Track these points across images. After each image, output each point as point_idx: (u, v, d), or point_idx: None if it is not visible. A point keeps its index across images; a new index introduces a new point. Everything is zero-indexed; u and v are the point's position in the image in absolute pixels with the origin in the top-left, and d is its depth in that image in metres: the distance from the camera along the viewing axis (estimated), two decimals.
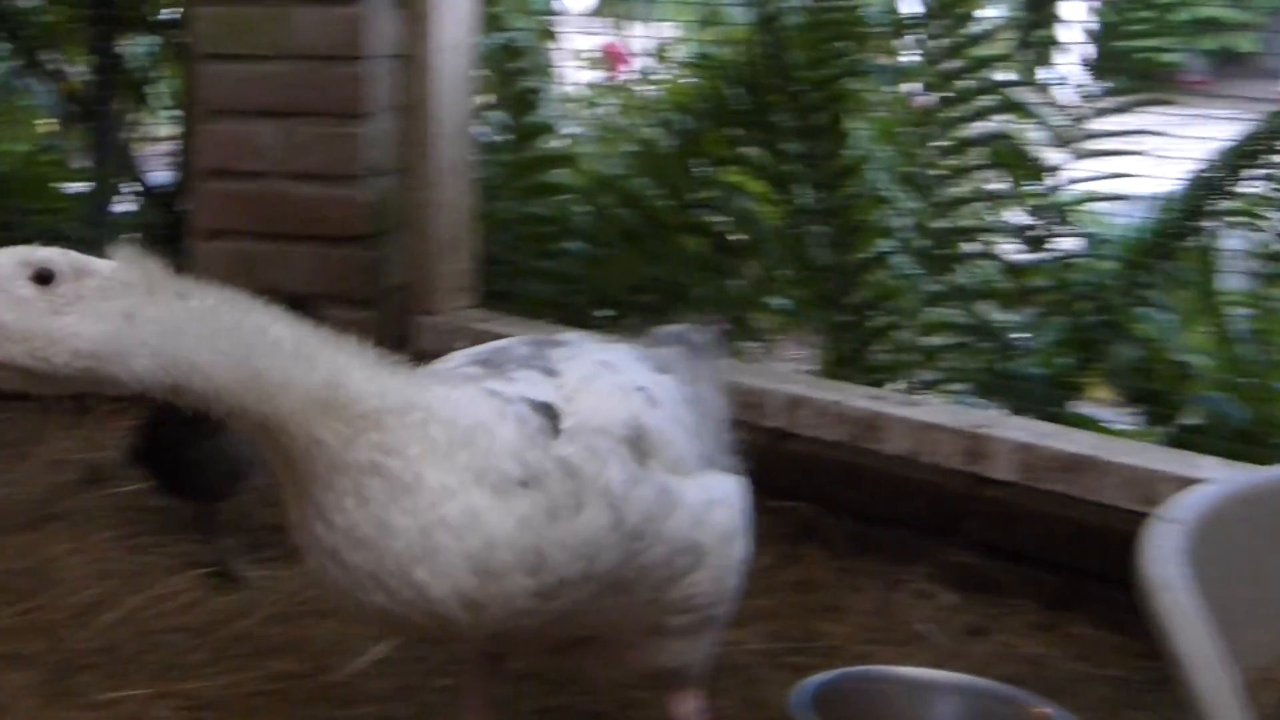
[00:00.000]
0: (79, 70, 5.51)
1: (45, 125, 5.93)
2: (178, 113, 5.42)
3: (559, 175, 4.63)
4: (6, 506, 3.75)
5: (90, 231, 5.16)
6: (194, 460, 3.38)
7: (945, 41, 4.09)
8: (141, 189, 5.44)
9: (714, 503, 2.18)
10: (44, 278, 1.80)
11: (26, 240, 1.86)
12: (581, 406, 2.04)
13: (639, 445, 2.06)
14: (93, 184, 5.40)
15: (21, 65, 5.60)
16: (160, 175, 5.47)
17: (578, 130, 5.07)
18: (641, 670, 2.32)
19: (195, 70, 4.31)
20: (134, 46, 5.50)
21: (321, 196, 4.16)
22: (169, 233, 5.00)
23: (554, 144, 4.71)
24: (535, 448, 1.96)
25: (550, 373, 2.09)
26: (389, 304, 4.22)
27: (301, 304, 3.46)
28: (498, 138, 4.60)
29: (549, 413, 2.01)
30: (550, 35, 5.08)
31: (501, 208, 4.50)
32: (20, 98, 5.84)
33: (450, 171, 4.22)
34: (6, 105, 5.82)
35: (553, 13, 5.23)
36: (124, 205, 5.44)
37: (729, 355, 2.82)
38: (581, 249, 4.50)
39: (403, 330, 4.18)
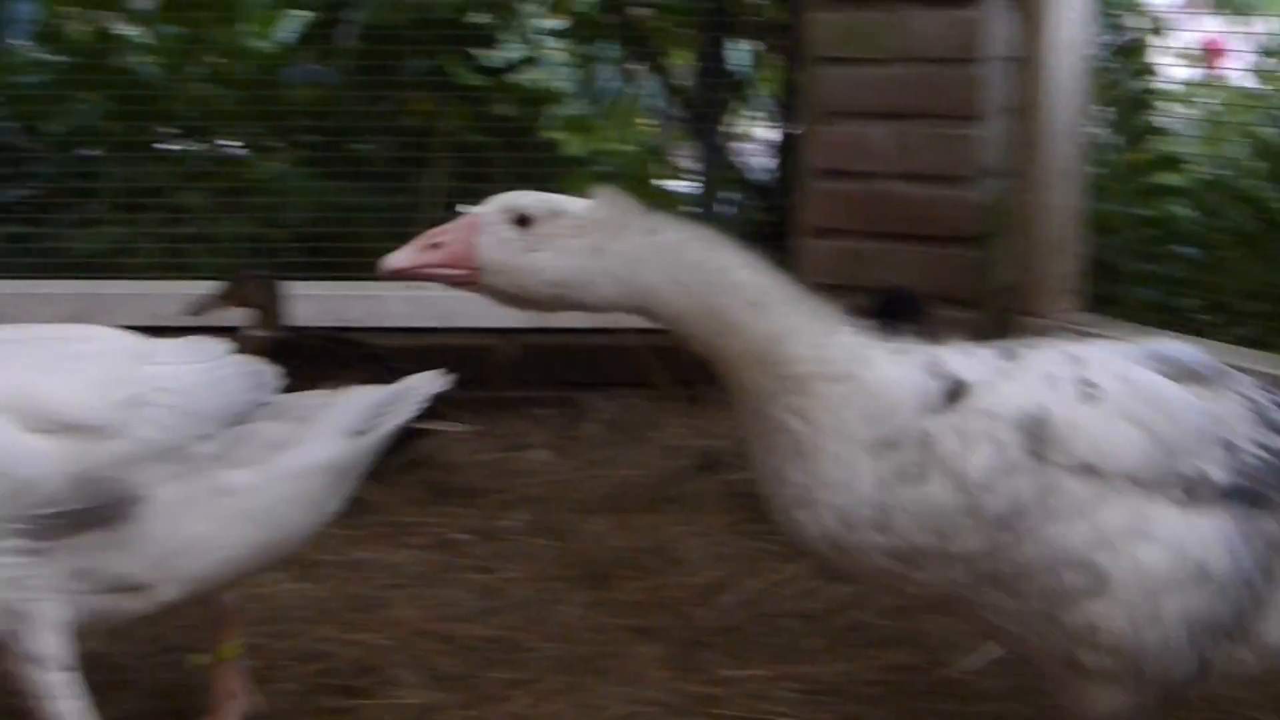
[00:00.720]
0: (685, 73, 5.76)
1: (651, 126, 6.24)
2: (778, 114, 5.59)
3: (1168, 177, 4.50)
4: (629, 488, 3.97)
5: None
6: None
7: None
8: (743, 187, 5.63)
9: (1145, 537, 2.04)
10: (524, 220, 2.11)
11: None
12: (997, 388, 2.08)
13: (1036, 434, 2.04)
14: (696, 182, 5.63)
15: (632, 68, 5.92)
16: (759, 174, 5.65)
17: (1184, 130, 4.91)
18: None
19: (810, 73, 4.44)
20: (736, 50, 5.70)
21: (931, 197, 4.21)
22: (769, 230, 5.16)
23: (1163, 145, 4.58)
24: (913, 416, 2.06)
25: (1012, 356, 2.14)
26: (994, 305, 4.21)
27: (911, 299, 3.57)
28: (1107, 139, 4.51)
29: (957, 389, 2.07)
30: (1159, 32, 4.93)
31: (1108, 210, 4.41)
32: (629, 99, 6.17)
33: (1060, 173, 4.17)
34: (616, 106, 6.16)
35: (1159, 9, 5.08)
36: (726, 204, 5.64)
37: None
38: (1191, 253, 4.36)
39: (1007, 331, 4.16)
